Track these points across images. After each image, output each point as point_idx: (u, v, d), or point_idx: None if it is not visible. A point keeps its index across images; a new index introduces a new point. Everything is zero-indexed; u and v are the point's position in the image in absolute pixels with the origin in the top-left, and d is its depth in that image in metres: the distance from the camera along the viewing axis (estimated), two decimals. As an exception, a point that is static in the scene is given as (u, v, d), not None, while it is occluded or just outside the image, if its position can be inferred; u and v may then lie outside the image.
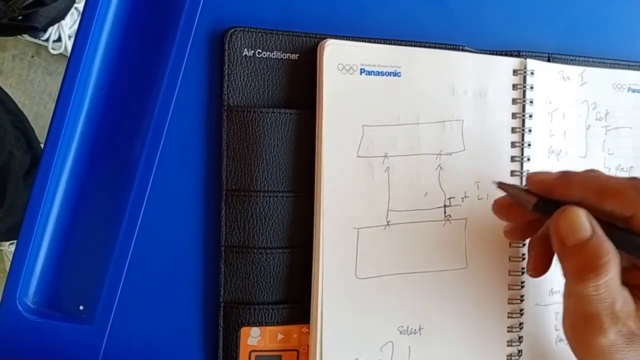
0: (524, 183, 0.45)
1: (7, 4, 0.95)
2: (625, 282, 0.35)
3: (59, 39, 1.27)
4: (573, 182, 0.37)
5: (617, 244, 0.35)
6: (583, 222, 0.35)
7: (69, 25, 1.25)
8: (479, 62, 0.45)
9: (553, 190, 0.37)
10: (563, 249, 0.36)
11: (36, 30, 1.21)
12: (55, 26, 1.24)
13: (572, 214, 0.35)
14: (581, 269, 0.34)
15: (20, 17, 1.02)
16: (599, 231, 0.35)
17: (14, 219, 0.94)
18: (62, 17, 1.16)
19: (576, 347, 0.37)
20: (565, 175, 0.37)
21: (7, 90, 0.99)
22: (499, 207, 0.41)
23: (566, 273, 0.36)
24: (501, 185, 0.40)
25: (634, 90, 0.49)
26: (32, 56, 1.33)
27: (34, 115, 1.20)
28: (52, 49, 1.29)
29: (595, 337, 0.35)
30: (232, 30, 0.42)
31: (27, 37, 1.27)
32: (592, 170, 0.38)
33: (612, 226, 0.35)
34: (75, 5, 1.20)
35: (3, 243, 1.25)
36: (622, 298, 0.34)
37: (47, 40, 1.27)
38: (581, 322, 0.36)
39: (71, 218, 0.41)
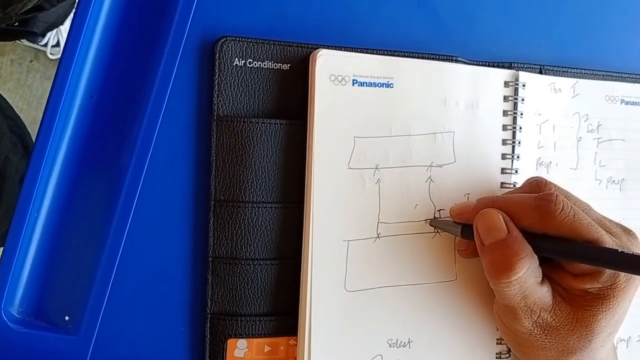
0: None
1: (6, 10, 0.95)
2: (549, 278, 0.39)
3: (57, 44, 1.27)
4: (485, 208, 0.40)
5: (538, 248, 0.37)
6: (499, 223, 0.38)
7: (68, 30, 1.25)
8: (471, 74, 0.45)
9: (472, 218, 0.40)
10: (482, 247, 0.39)
11: (35, 35, 1.21)
12: (54, 31, 1.24)
13: (488, 216, 0.39)
14: (495, 267, 0.38)
15: (19, 22, 1.02)
16: (515, 233, 0.38)
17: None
18: (61, 22, 1.16)
19: (502, 332, 0.42)
20: (479, 203, 0.41)
21: (5, 95, 0.99)
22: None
23: (485, 270, 0.39)
24: (432, 223, 0.43)
25: (627, 103, 0.49)
26: (31, 61, 1.33)
27: (32, 120, 1.20)
28: (51, 54, 1.29)
29: (514, 325, 0.39)
30: (223, 40, 0.41)
31: (25, 41, 1.27)
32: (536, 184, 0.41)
33: (531, 233, 0.38)
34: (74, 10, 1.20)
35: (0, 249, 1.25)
36: (538, 293, 0.38)
37: (45, 45, 1.27)
38: (502, 311, 0.40)
39: (58, 227, 0.41)
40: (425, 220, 0.44)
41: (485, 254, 0.39)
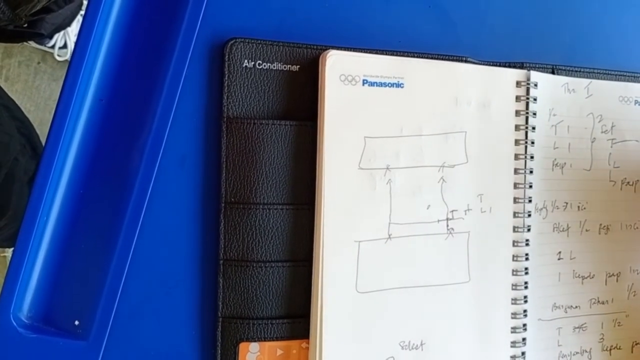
0: (527, 195, 0.45)
1: (15, 12, 0.95)
2: None
3: (64, 46, 1.27)
4: None
5: None
6: None
7: (75, 32, 1.25)
8: (483, 74, 0.44)
9: None
10: None
11: (42, 37, 1.21)
12: (61, 33, 1.24)
13: None
14: None
15: (26, 24, 1.02)
16: None
17: (19, 225, 0.93)
18: (68, 24, 1.17)
19: None
20: None
21: (12, 97, 0.99)
22: None
23: None
24: None
25: (641, 103, 0.48)
26: (38, 62, 1.34)
27: (39, 122, 1.20)
28: (58, 55, 1.29)
29: None
30: (232, 41, 0.41)
31: (33, 43, 1.27)
32: None
33: None
34: (82, 12, 1.20)
35: (8, 250, 1.25)
36: None
37: (53, 47, 1.27)
38: None
39: (68, 231, 0.40)
40: None
41: None
